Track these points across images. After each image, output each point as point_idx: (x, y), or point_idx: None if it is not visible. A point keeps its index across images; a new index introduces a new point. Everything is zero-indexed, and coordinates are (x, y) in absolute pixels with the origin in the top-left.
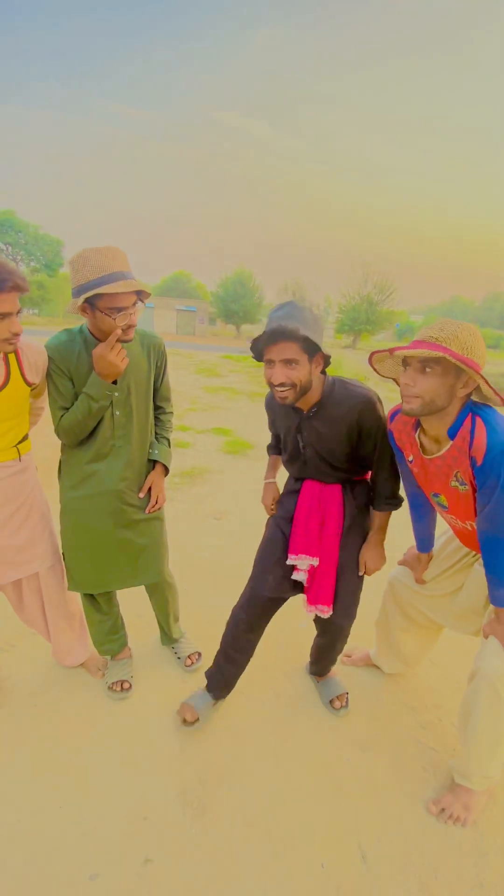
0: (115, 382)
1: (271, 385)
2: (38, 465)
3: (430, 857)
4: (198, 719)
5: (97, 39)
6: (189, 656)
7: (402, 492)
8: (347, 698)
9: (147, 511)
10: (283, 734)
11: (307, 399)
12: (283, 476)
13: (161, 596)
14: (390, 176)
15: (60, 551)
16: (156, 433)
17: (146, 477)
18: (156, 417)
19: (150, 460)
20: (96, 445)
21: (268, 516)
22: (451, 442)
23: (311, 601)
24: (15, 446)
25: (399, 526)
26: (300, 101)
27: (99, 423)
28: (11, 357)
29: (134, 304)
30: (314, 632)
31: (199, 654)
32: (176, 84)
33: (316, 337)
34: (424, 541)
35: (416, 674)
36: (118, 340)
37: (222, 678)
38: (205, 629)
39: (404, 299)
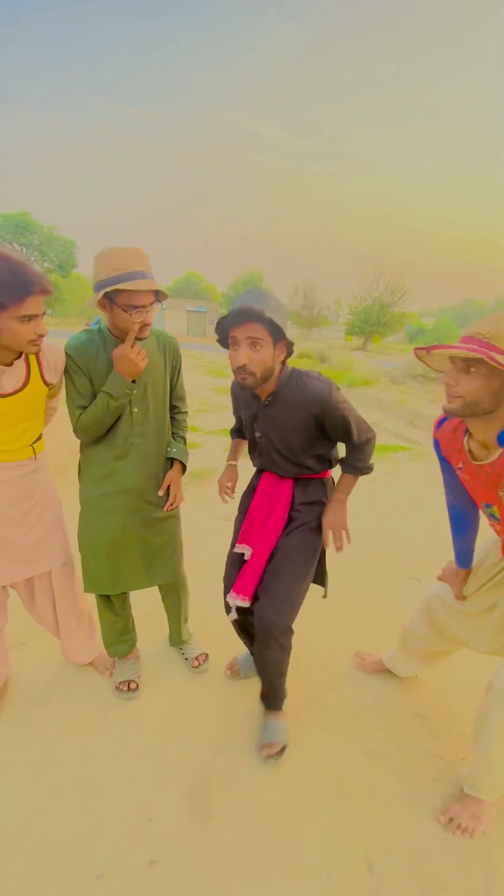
0: (133, 381)
1: (235, 368)
2: (49, 465)
3: (438, 868)
4: (239, 674)
5: (106, 41)
6: (196, 657)
7: (371, 461)
8: (284, 751)
9: (165, 509)
10: (289, 738)
11: (265, 388)
12: (248, 467)
13: (174, 596)
14: (400, 176)
15: (72, 550)
16: (172, 432)
17: (164, 475)
18: (171, 417)
19: (168, 459)
20: (116, 443)
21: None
22: (500, 449)
23: (235, 589)
24: (30, 445)
25: (428, 541)
26: (309, 102)
27: (118, 420)
28: (32, 358)
29: (151, 303)
30: (320, 632)
31: (207, 656)
32: (186, 86)
33: (281, 322)
34: (464, 556)
35: (426, 681)
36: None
37: (250, 649)
38: (213, 630)
39: (416, 301)
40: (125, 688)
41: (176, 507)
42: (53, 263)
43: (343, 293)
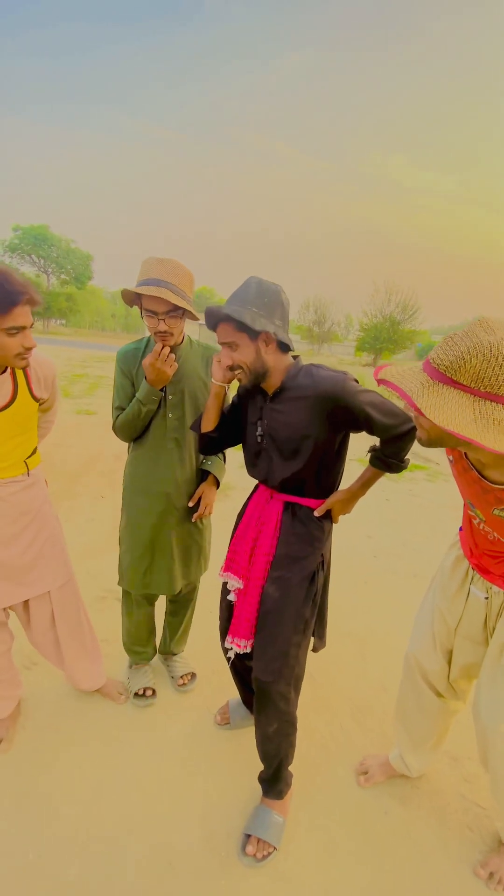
0: (163, 390)
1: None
2: (47, 480)
3: None
4: (229, 723)
5: (134, 63)
6: (182, 676)
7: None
8: (270, 857)
9: (193, 518)
10: (315, 779)
11: (271, 383)
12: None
13: (185, 606)
14: (413, 196)
15: (73, 568)
16: None
17: (196, 486)
18: None
19: (202, 470)
20: (149, 445)
21: None
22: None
23: (231, 632)
24: (24, 461)
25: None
26: (325, 123)
27: (150, 423)
28: (19, 372)
29: (166, 312)
30: (344, 663)
31: (193, 675)
32: (207, 107)
33: (250, 316)
34: None
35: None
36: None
37: (242, 697)
38: (211, 650)
39: (427, 319)
40: (144, 693)
41: (204, 518)
42: (70, 275)
43: (355, 309)
